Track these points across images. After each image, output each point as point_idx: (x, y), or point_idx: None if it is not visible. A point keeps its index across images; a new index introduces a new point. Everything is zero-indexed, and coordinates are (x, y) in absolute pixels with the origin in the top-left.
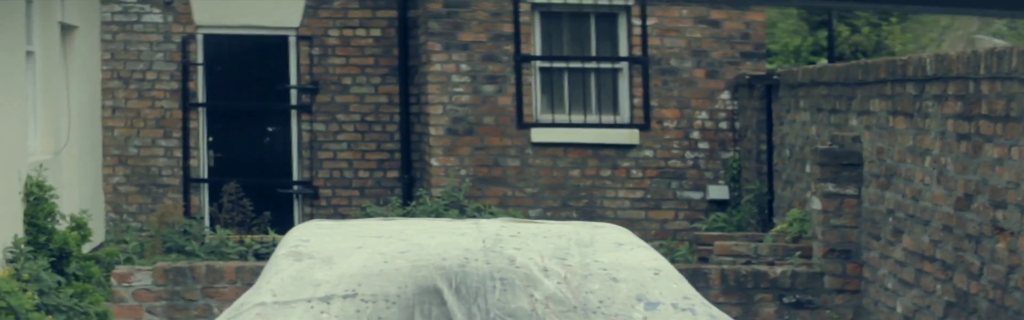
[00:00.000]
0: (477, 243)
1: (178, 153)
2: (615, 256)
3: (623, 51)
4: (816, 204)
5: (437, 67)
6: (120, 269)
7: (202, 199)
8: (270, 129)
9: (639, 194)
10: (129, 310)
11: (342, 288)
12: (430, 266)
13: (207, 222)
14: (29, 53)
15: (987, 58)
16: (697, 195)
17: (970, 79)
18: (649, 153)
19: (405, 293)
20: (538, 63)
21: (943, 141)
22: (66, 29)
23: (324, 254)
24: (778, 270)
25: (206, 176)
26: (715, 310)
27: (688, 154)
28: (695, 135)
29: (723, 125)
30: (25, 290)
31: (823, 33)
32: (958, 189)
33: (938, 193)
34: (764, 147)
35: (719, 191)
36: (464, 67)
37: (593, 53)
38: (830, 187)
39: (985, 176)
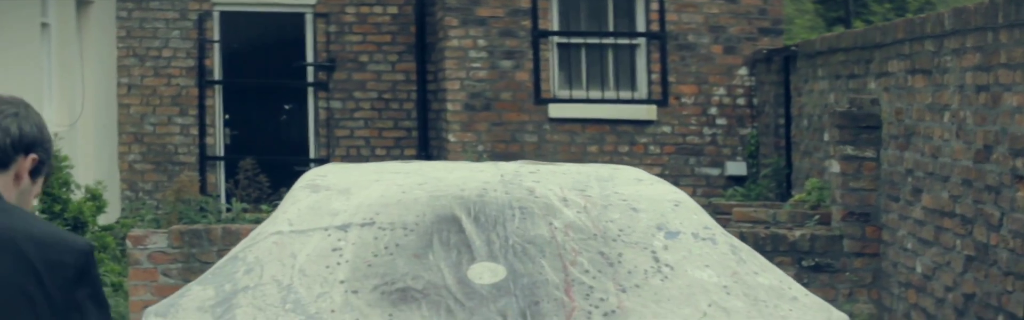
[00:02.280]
0: (495, 177)
1: (194, 131)
2: (635, 189)
3: (641, 27)
4: (835, 167)
5: (454, 42)
6: (136, 232)
7: (218, 177)
8: (287, 107)
9: (657, 170)
10: (144, 273)
11: (359, 217)
12: (448, 196)
13: (223, 199)
14: (44, 25)
15: (1005, 6)
16: (715, 171)
17: (988, 29)
18: (667, 129)
19: (423, 221)
20: (556, 38)
21: (962, 94)
22: (82, 4)
23: (341, 186)
24: (797, 233)
25: (222, 154)
26: (735, 240)
27: (706, 130)
28: (713, 111)
29: (741, 101)
30: None
31: (840, 29)
32: (977, 141)
33: (957, 148)
34: (782, 121)
35: (737, 167)
36: (481, 42)
37: (611, 29)
38: (849, 150)
39: (1004, 126)
